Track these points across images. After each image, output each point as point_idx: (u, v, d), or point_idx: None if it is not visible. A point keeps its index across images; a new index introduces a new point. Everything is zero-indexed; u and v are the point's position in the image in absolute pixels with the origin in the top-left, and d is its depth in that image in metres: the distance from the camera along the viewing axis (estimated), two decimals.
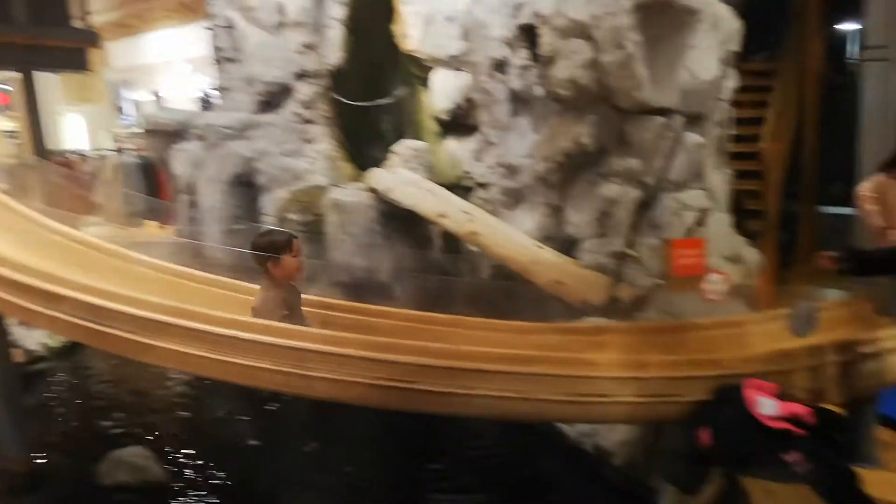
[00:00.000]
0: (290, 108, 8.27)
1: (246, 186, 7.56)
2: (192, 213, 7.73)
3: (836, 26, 8.28)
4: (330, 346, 3.14)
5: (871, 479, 3.06)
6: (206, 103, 10.10)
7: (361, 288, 5.87)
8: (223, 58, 8.97)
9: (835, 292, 4.18)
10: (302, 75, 8.34)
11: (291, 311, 3.43)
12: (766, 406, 2.68)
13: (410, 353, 3.02)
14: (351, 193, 6.64)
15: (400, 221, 6.42)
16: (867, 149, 6.60)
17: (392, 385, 3.03)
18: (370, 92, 8.37)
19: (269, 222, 6.86)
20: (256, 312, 3.38)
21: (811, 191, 7.30)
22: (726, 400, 2.81)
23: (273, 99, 8.32)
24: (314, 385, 3.14)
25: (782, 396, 2.80)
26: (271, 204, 7.24)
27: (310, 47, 8.29)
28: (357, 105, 8.16)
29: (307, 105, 8.23)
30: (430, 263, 6.34)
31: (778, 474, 2.51)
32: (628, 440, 3.64)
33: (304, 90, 8.30)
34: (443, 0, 7.93)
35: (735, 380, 2.91)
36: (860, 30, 7.27)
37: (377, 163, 7.12)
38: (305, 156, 7.85)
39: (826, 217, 7.35)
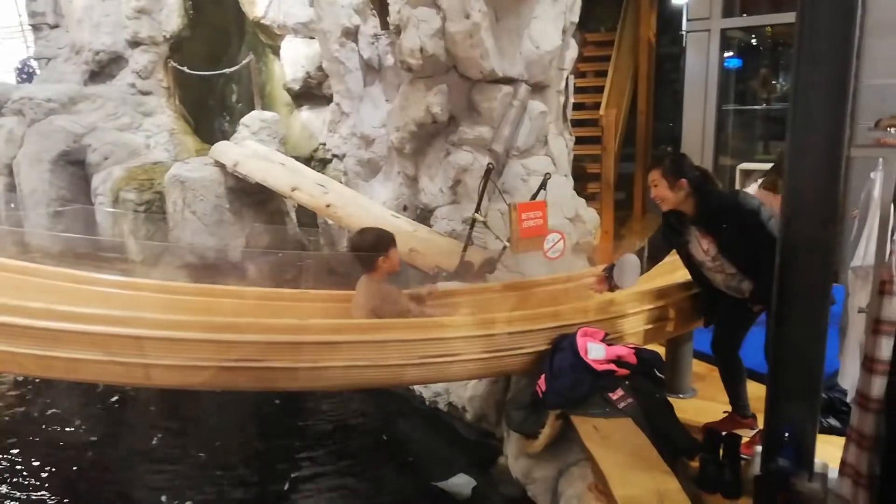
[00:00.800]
0: (125, 78, 7.64)
1: (74, 165, 6.91)
2: (11, 196, 6.97)
3: (673, 1, 8.94)
4: (170, 330, 2.97)
5: (687, 407, 3.45)
6: (23, 74, 9.06)
7: (210, 268, 5.61)
8: (43, 23, 8.10)
9: None
10: (137, 43, 7.72)
11: None
12: (595, 351, 2.90)
13: (255, 331, 2.93)
14: (195, 168, 6.29)
15: (250, 196, 6.18)
16: (689, 113, 7.23)
17: (238, 366, 2.93)
18: (215, 61, 7.93)
19: (102, 202, 6.33)
20: (380, 311, 3.27)
21: (644, 154, 7.91)
22: (562, 348, 3.01)
23: (104, 68, 7.63)
24: (155, 374, 2.97)
25: (609, 341, 3.04)
26: (104, 183, 6.68)
27: (144, 12, 7.68)
28: (200, 75, 7.69)
29: (144, 75, 7.64)
30: (286, 238, 6.18)
31: (605, 411, 2.75)
32: (478, 395, 3.81)
33: (140, 59, 7.69)
34: None
35: (572, 329, 3.12)
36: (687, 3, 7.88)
37: (224, 136, 6.80)
38: (143, 129, 7.32)
39: None
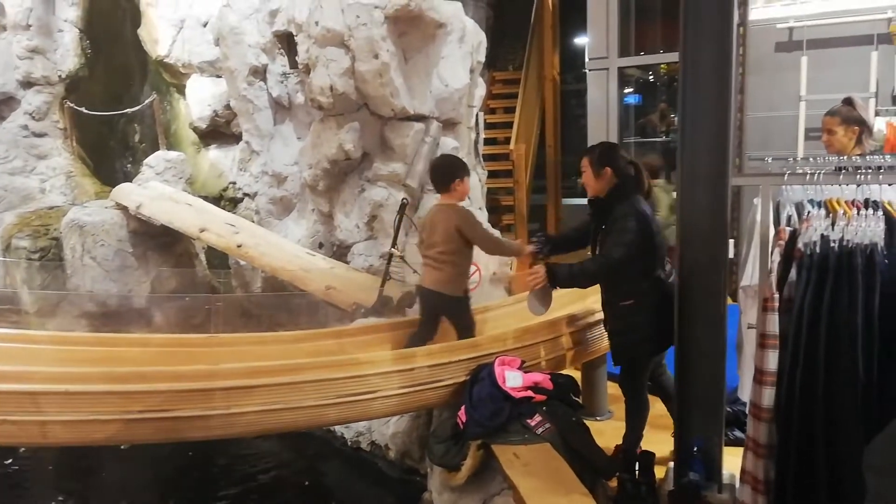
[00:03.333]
0: (16, 119, 7.25)
1: None
2: None
3: (576, 41, 9.43)
4: (67, 384, 2.79)
5: (605, 428, 3.55)
6: None
7: (113, 317, 5.31)
8: None
9: None
10: (29, 83, 7.37)
11: None
12: (512, 379, 2.95)
13: (162, 380, 2.80)
14: (94, 212, 5.98)
15: (155, 239, 5.94)
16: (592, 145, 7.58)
17: (145, 418, 2.78)
18: (115, 101, 7.66)
19: None
20: (466, 228, 3.44)
21: (555, 185, 8.22)
22: (480, 378, 3.04)
23: None
24: (52, 431, 2.77)
25: (526, 368, 3.10)
26: None
27: (37, 52, 7.35)
28: (100, 115, 7.39)
29: (37, 116, 7.27)
30: (195, 282, 5.95)
31: (524, 437, 2.78)
32: (400, 431, 3.77)
33: (33, 100, 7.34)
34: (193, 4, 7.56)
35: (490, 359, 3.16)
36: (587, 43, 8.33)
37: (127, 177, 6.54)
38: (37, 173, 6.95)
39: (569, 208, 8.35)
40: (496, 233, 3.96)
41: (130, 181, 6.50)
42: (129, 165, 7.50)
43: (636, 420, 3.16)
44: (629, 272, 2.95)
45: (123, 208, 5.92)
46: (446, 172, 3.58)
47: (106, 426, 2.76)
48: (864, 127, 3.42)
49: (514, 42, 9.31)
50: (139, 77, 8.08)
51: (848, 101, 3.54)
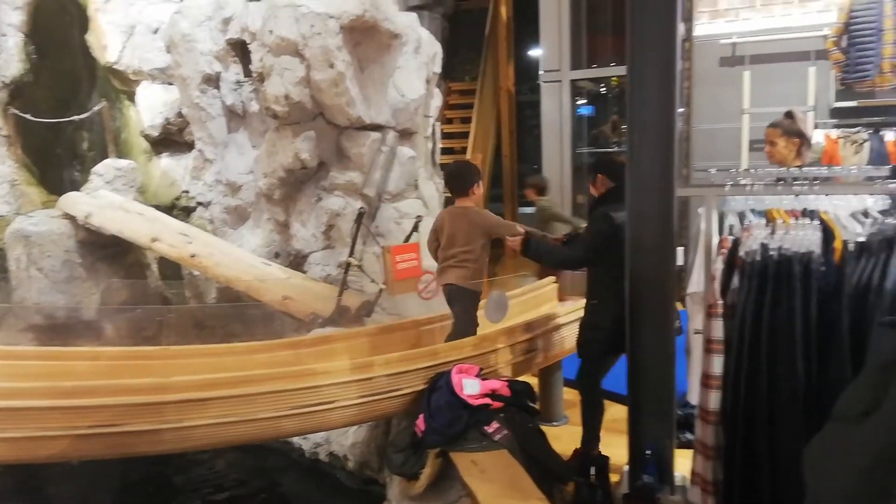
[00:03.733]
0: None
1: None
2: None
3: (530, 53, 9.59)
4: (11, 399, 2.70)
5: (561, 434, 3.61)
6: None
7: (61, 329, 5.14)
8: None
9: (528, 279, 4.83)
10: None
11: None
12: (470, 386, 2.98)
13: (111, 394, 2.73)
14: (40, 222, 5.78)
15: (105, 249, 5.77)
16: (547, 155, 7.74)
17: (94, 433, 2.71)
18: (62, 107, 7.43)
19: None
20: (490, 225, 3.63)
21: (511, 194, 8.33)
22: (438, 387, 3.06)
23: None
24: None
25: (483, 375, 3.14)
26: None
27: None
28: (46, 122, 7.16)
29: None
30: (146, 293, 5.81)
31: (482, 445, 2.81)
32: (359, 441, 3.76)
33: None
34: (144, 10, 7.42)
35: (448, 367, 3.18)
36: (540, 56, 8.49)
37: (75, 186, 6.35)
38: None
39: (525, 217, 8.47)
40: None
41: (78, 190, 6.31)
42: (77, 174, 7.28)
43: (590, 418, 3.23)
44: (598, 273, 3.13)
45: (71, 218, 5.74)
46: (467, 177, 3.71)
47: (53, 443, 2.69)
48: (803, 139, 3.59)
49: (469, 53, 9.43)
50: (87, 83, 7.86)
51: (789, 115, 3.71)
